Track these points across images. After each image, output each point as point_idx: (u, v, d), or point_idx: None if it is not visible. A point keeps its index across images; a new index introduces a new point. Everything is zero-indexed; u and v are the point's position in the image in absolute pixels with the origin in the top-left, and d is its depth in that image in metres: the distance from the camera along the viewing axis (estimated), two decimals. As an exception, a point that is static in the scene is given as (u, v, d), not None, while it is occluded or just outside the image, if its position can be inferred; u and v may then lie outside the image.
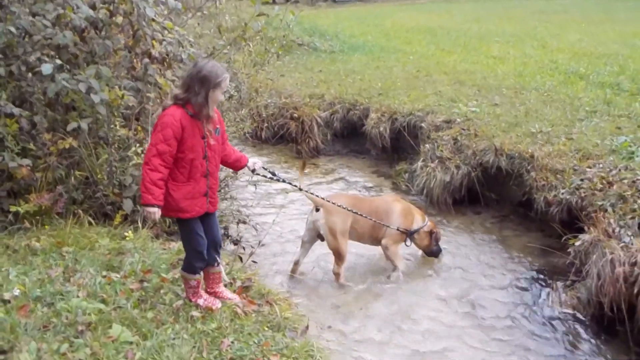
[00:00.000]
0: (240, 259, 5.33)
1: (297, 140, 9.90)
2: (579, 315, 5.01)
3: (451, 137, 7.63)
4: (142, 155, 5.11)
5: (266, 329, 3.87)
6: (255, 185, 7.05)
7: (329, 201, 5.33)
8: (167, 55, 5.99)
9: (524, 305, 5.23)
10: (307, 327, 4.10)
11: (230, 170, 5.04)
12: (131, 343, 3.41)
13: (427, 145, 7.78)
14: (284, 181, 4.82)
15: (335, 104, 9.96)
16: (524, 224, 6.62)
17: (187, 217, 3.78)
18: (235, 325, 3.84)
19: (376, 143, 9.11)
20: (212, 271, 4.11)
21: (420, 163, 7.65)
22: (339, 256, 5.45)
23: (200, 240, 3.85)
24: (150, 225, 5.22)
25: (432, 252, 5.94)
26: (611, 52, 12.73)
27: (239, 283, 4.47)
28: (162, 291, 4.15)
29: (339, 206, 5.34)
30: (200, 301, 4.00)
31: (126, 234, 4.93)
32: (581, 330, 4.85)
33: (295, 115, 9.98)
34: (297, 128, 9.94)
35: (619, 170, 5.75)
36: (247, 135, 8.98)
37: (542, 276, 5.69)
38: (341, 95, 10.15)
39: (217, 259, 4.06)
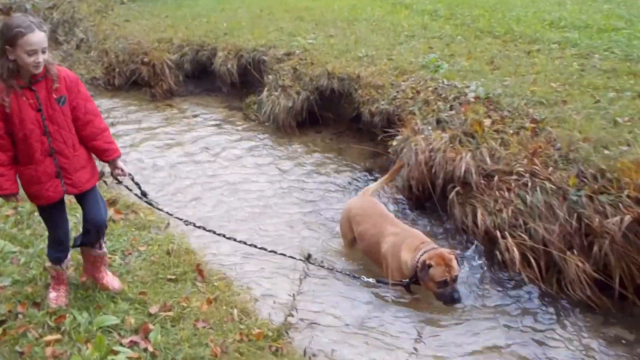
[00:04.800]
0: (105, 182, 5.63)
1: (151, 84, 10.23)
2: (399, 197, 6.07)
3: (291, 67, 8.41)
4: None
5: (133, 229, 4.48)
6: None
7: None
8: (12, 6, 6.07)
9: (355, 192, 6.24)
10: (168, 224, 4.73)
11: None
12: (15, 252, 3.90)
13: (270, 77, 8.52)
14: (153, 205, 4.13)
15: (184, 47, 10.39)
16: (356, 136, 7.60)
17: (42, 204, 3.35)
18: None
19: (225, 80, 9.72)
20: (92, 254, 3.59)
21: (265, 93, 8.39)
22: None
23: (56, 230, 3.44)
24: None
25: (438, 295, 4.30)
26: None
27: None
28: (35, 214, 4.53)
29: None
30: (51, 295, 3.51)
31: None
32: (402, 209, 5.92)
33: (146, 60, 10.27)
34: (149, 72, 10.25)
35: (426, 81, 6.82)
36: (100, 82, 9.22)
37: (371, 174, 6.71)
38: (189, 37, 10.57)
39: (102, 241, 3.59)
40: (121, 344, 3.01)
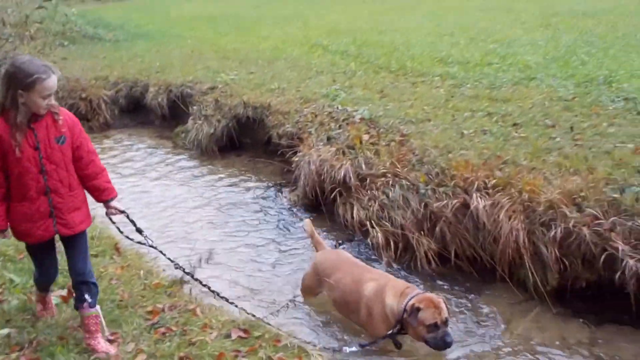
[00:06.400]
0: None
1: (88, 118, 11.13)
2: (298, 206, 7.14)
3: (214, 99, 9.51)
4: None
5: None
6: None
7: None
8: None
9: (269, 204, 7.28)
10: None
11: None
12: None
13: (194, 107, 9.59)
14: (153, 247, 4.03)
15: (119, 83, 11.39)
16: (270, 156, 8.66)
17: (31, 243, 3.35)
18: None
19: (157, 112, 10.76)
20: (84, 314, 3.41)
21: (190, 122, 9.45)
22: None
23: (42, 268, 3.51)
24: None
25: (429, 341, 4.08)
26: (355, 27, 15.52)
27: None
28: None
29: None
30: (38, 306, 3.80)
31: None
32: (301, 213, 6.98)
33: (84, 95, 11.21)
34: (86, 107, 11.17)
35: (324, 107, 8.02)
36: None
37: (280, 186, 7.78)
38: (124, 75, 11.59)
39: (86, 297, 3.38)
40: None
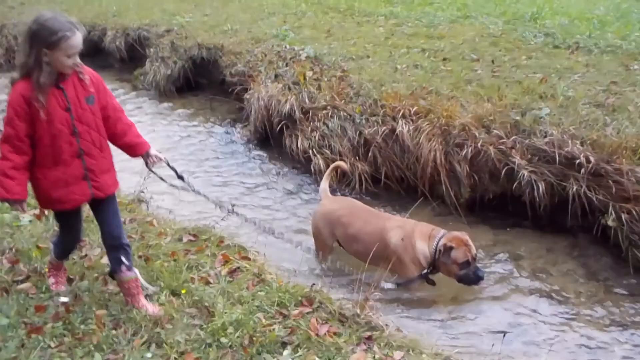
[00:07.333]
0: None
1: (48, 62, 11.41)
2: (251, 139, 7.75)
3: (169, 41, 9.91)
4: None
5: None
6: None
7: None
8: None
9: (225, 141, 7.85)
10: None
11: None
12: None
13: (152, 50, 9.99)
14: (196, 191, 4.25)
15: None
16: (224, 94, 9.19)
17: (65, 209, 3.22)
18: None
19: (115, 56, 11.10)
20: (123, 279, 3.35)
21: (148, 64, 9.87)
22: None
23: (70, 234, 3.43)
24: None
25: (462, 277, 4.23)
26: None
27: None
28: None
29: None
30: (50, 280, 3.65)
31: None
32: (253, 147, 7.59)
33: (42, 40, 11.44)
34: (45, 52, 11.43)
35: (273, 46, 8.54)
36: (1, 61, 10.38)
37: (234, 123, 8.36)
38: (81, 19, 11.57)
39: (124, 261, 3.30)
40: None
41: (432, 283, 4.38)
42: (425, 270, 4.28)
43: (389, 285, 4.30)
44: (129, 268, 3.31)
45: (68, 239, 3.46)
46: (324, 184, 5.08)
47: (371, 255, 4.07)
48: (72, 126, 3.01)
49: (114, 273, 3.37)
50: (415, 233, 4.32)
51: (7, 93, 3.00)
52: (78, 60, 2.95)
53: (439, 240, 4.20)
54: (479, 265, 4.32)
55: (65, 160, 3.03)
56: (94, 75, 3.14)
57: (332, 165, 5.25)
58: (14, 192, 2.98)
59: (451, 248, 4.12)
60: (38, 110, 2.90)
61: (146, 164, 3.46)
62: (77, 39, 2.88)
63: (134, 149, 3.36)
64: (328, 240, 4.73)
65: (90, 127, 3.08)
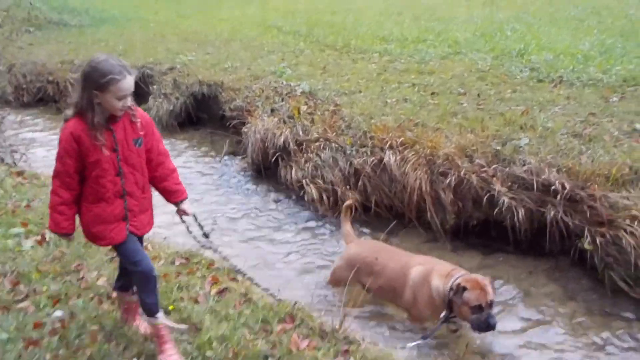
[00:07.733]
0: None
1: (56, 100, 11.83)
2: (248, 171, 8.02)
3: (172, 78, 10.30)
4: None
5: (37, 188, 6.19)
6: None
7: None
8: None
9: (223, 173, 8.11)
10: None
11: None
12: None
13: (155, 86, 10.38)
14: (217, 251, 4.47)
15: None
16: (224, 128, 9.50)
17: (102, 245, 3.34)
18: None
19: (120, 92, 11.47)
20: (127, 299, 3.58)
21: (151, 100, 10.24)
22: None
23: (121, 269, 3.54)
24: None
25: (472, 322, 4.07)
26: (312, 8, 16.34)
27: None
28: None
29: None
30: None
31: None
32: (250, 178, 7.86)
33: (51, 78, 11.90)
34: (54, 89, 11.87)
35: (271, 83, 8.89)
36: (10, 99, 10.79)
37: (233, 155, 8.65)
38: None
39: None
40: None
41: (455, 330, 4.33)
42: (444, 313, 4.18)
43: (416, 343, 4.15)
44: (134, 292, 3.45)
45: (121, 270, 3.54)
46: (346, 227, 5.23)
47: (392, 291, 4.29)
48: (117, 167, 3.09)
49: (122, 293, 3.54)
50: (434, 270, 4.33)
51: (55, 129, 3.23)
52: (130, 102, 3.04)
53: (456, 279, 4.12)
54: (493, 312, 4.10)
55: (109, 198, 3.12)
56: (145, 118, 3.23)
57: (344, 205, 5.36)
58: (62, 227, 3.13)
59: (464, 289, 4.01)
60: (89, 147, 3.01)
61: (177, 211, 3.53)
62: (127, 83, 2.97)
63: (170, 195, 3.43)
64: (344, 278, 4.66)
65: (135, 169, 3.17)
